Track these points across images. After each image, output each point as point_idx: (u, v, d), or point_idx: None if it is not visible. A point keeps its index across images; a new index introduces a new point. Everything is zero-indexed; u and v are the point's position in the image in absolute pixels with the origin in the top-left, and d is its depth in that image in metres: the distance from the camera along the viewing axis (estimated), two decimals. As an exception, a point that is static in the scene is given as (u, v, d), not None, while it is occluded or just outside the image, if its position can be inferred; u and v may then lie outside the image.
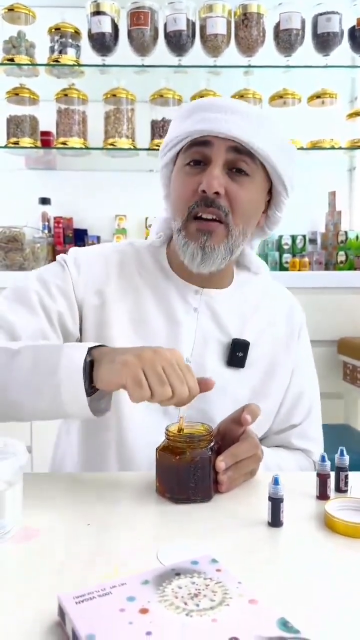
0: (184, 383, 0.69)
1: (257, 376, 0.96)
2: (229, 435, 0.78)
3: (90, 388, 0.73)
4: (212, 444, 0.73)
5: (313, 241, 2.63)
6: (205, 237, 0.86)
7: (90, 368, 0.73)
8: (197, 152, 0.87)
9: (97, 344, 0.77)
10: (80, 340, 0.94)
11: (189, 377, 0.70)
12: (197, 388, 0.71)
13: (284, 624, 0.43)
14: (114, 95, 2.33)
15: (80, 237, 2.60)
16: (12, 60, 2.29)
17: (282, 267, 2.45)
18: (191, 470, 0.71)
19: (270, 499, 0.65)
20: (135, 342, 0.91)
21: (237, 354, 0.93)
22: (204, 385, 0.72)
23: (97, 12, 2.25)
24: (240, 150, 0.86)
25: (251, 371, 0.95)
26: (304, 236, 2.57)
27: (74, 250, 0.99)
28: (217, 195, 0.85)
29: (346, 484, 0.74)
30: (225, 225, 0.87)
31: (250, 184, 0.88)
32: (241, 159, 0.86)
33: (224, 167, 0.86)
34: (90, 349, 0.74)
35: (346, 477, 0.74)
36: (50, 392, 0.72)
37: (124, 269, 0.97)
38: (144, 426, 0.89)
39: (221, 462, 0.71)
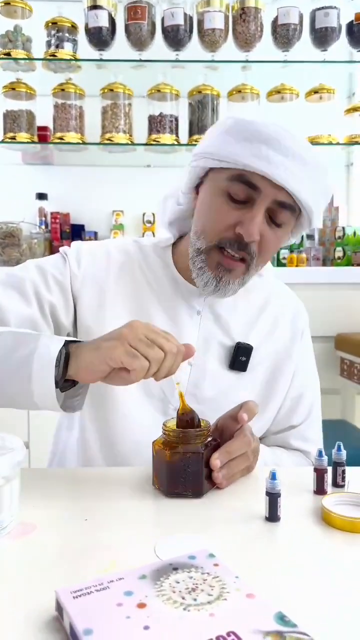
0: (169, 340, 0.70)
1: (259, 380, 0.95)
2: (226, 431, 0.78)
3: (66, 382, 0.73)
4: (207, 440, 0.73)
5: (310, 237, 2.63)
6: (224, 273, 0.86)
7: (66, 362, 0.72)
8: (244, 191, 0.82)
9: (74, 339, 0.76)
10: (72, 332, 0.93)
11: (171, 338, 0.71)
12: (182, 346, 0.72)
13: (281, 618, 0.43)
14: (111, 90, 2.32)
15: (77, 233, 2.60)
16: (8, 54, 2.28)
17: (279, 263, 2.45)
18: (182, 466, 0.71)
19: (268, 493, 0.65)
20: None
21: (240, 358, 0.93)
22: (187, 348, 0.73)
23: (94, 6, 2.24)
24: (285, 201, 0.83)
25: (253, 375, 0.95)
26: (302, 232, 2.57)
27: (76, 244, 0.98)
28: (252, 241, 0.84)
29: (343, 479, 0.74)
30: (247, 265, 0.86)
31: (283, 232, 0.87)
32: (284, 212, 0.83)
33: (265, 212, 0.83)
34: (68, 343, 0.73)
35: (343, 472, 0.74)
36: (21, 380, 0.72)
37: (127, 269, 0.95)
38: (143, 424, 0.89)
39: (216, 460, 0.71)
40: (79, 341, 0.76)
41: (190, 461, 0.71)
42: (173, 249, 0.98)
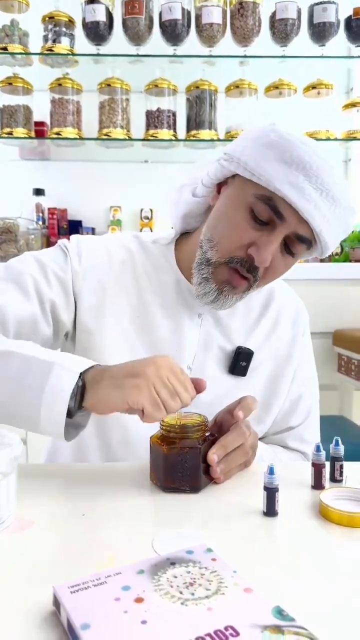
0: (187, 390, 0.70)
1: (258, 385, 0.95)
2: (225, 425, 0.78)
3: (78, 408, 0.70)
4: (205, 435, 0.73)
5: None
6: (227, 288, 0.85)
7: (82, 392, 0.70)
8: (266, 214, 0.79)
9: (89, 364, 0.72)
10: (71, 330, 0.92)
11: (187, 383, 0.71)
12: (194, 390, 0.72)
13: (279, 613, 0.43)
14: (109, 85, 2.31)
15: (74, 229, 2.59)
16: (5, 49, 2.26)
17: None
18: (180, 461, 0.71)
19: (266, 488, 0.65)
20: (135, 342, 0.90)
21: (240, 363, 0.92)
22: (198, 386, 0.73)
23: (92, 1, 2.23)
24: (305, 236, 0.81)
25: (253, 380, 0.94)
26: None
27: (76, 238, 0.95)
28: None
29: (341, 473, 0.74)
30: (249, 286, 0.85)
31: (293, 262, 0.85)
32: (300, 245, 0.82)
33: (282, 240, 0.81)
34: (83, 372, 0.70)
35: (341, 467, 0.75)
36: (28, 408, 0.69)
37: (128, 266, 0.93)
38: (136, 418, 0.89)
39: (213, 455, 0.71)
40: (93, 367, 0.72)
41: (187, 456, 0.71)
42: (176, 245, 0.96)
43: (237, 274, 0.83)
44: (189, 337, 0.91)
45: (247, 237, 0.81)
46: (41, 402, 0.68)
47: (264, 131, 0.81)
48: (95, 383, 0.70)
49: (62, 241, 0.94)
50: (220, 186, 0.87)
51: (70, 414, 0.69)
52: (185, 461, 0.71)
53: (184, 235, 0.97)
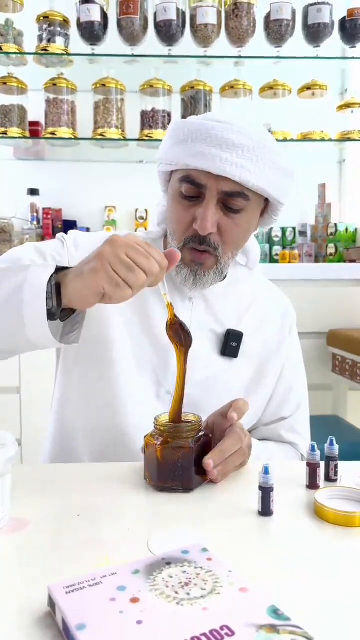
0: (150, 258, 0.69)
1: (249, 367, 0.97)
2: (217, 428, 0.79)
3: (62, 312, 0.72)
4: (198, 434, 0.73)
5: (303, 233, 2.63)
6: (196, 267, 0.89)
7: (58, 290, 0.72)
8: (191, 189, 0.86)
9: (65, 266, 0.75)
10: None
11: (153, 252, 0.70)
12: (165, 259, 0.72)
13: (274, 612, 0.43)
14: (103, 85, 2.31)
15: (69, 228, 2.53)
16: (-1, 48, 2.26)
17: (272, 259, 2.45)
18: (171, 460, 0.71)
19: (260, 488, 0.65)
20: (132, 324, 0.92)
21: (230, 343, 0.94)
22: (171, 256, 0.73)
23: (86, 0, 2.23)
24: (232, 190, 0.84)
25: (244, 362, 0.96)
26: (294, 228, 2.58)
27: (73, 232, 0.99)
28: (208, 233, 0.86)
29: (335, 473, 0.75)
30: (214, 256, 0.89)
31: (243, 217, 0.88)
32: (236, 200, 0.85)
33: (218, 202, 0.86)
34: (58, 271, 0.73)
35: (335, 466, 0.75)
36: (12, 312, 0.71)
37: None
38: (140, 408, 0.89)
39: (209, 460, 0.71)
40: (67, 268, 0.75)
41: (179, 456, 0.71)
42: (165, 240, 1.00)
43: (195, 251, 0.88)
44: (181, 318, 0.93)
45: (187, 216, 0.87)
46: (22, 302, 0.70)
47: (168, 126, 0.92)
48: (64, 278, 0.72)
49: (59, 234, 0.98)
50: None
51: (53, 316, 0.71)
52: (177, 461, 0.71)
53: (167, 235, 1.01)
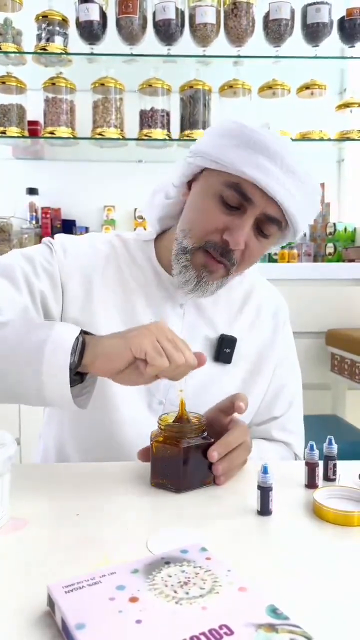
0: (186, 351, 0.70)
1: (243, 372, 0.96)
2: (216, 424, 0.78)
3: (77, 375, 0.71)
4: (197, 436, 0.73)
5: (302, 233, 2.63)
6: (206, 274, 0.87)
7: (81, 351, 0.70)
8: (236, 199, 0.82)
9: (89, 332, 0.75)
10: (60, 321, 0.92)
11: (189, 348, 0.72)
12: (195, 359, 0.72)
13: (274, 611, 0.43)
14: (103, 85, 2.31)
15: (68, 228, 2.58)
16: (-2, 47, 2.26)
17: (270, 259, 2.45)
18: (163, 458, 0.72)
19: (260, 487, 0.65)
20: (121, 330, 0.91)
21: (224, 349, 0.93)
22: (200, 359, 0.73)
23: (85, 0, 2.22)
24: (275, 215, 0.84)
25: (238, 367, 0.95)
26: (293, 228, 2.57)
27: (60, 236, 0.97)
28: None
29: (334, 472, 0.75)
30: (227, 269, 0.87)
31: (269, 242, 0.88)
32: (272, 225, 0.84)
33: (253, 223, 0.84)
34: (83, 332, 0.72)
35: (334, 465, 0.75)
36: (31, 370, 0.69)
37: (111, 261, 0.95)
38: (130, 415, 0.89)
39: (214, 452, 0.71)
40: (92, 334, 0.74)
41: (170, 455, 0.71)
42: (155, 242, 0.98)
43: (212, 258, 0.85)
44: (172, 326, 0.92)
45: (219, 222, 0.84)
46: (43, 360, 0.68)
47: (223, 123, 0.87)
48: (95, 341, 0.71)
49: (46, 239, 0.95)
50: (190, 184, 0.91)
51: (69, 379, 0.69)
52: (167, 459, 0.71)
53: (162, 234, 0.98)
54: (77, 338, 0.70)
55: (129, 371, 0.69)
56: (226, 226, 0.83)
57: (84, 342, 0.71)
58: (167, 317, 0.93)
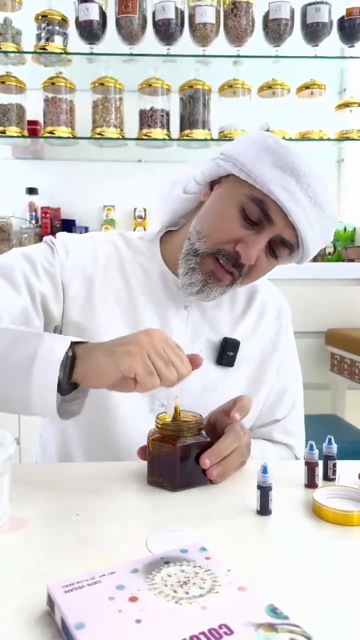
0: (182, 360, 0.69)
1: (246, 375, 0.96)
2: (219, 426, 0.78)
3: (68, 385, 0.70)
4: (193, 435, 0.73)
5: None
6: (212, 280, 0.87)
7: (71, 364, 0.69)
8: (257, 215, 0.82)
9: (79, 339, 0.72)
10: (60, 324, 0.91)
11: (183, 355, 0.70)
12: (190, 365, 0.71)
13: (273, 611, 0.43)
14: (102, 84, 2.31)
15: (68, 228, 2.58)
16: (-2, 47, 2.26)
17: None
18: (158, 456, 0.72)
19: (259, 487, 0.65)
20: (123, 332, 0.89)
21: (227, 353, 0.93)
22: (195, 362, 0.72)
23: (85, 0, 2.22)
24: (290, 240, 0.84)
25: (240, 370, 0.95)
26: (293, 228, 2.58)
27: (62, 235, 0.96)
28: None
29: (334, 472, 0.75)
30: (233, 280, 0.87)
31: (276, 264, 0.89)
32: (284, 249, 0.85)
33: (267, 241, 0.84)
34: (74, 344, 0.70)
35: (334, 465, 0.75)
36: (19, 383, 0.68)
37: (114, 261, 0.94)
38: (132, 416, 0.89)
39: (205, 460, 0.71)
40: (84, 342, 0.73)
41: (165, 453, 0.71)
42: (161, 241, 0.97)
43: (222, 267, 0.86)
44: (176, 328, 0.92)
45: (236, 233, 0.83)
46: (31, 374, 0.67)
47: (262, 136, 0.86)
48: (86, 354, 0.69)
49: (47, 237, 0.94)
50: (213, 184, 0.89)
51: (60, 389, 0.68)
52: (162, 457, 0.72)
53: (169, 232, 0.98)
54: (67, 352, 0.68)
55: (121, 384, 0.68)
56: (242, 238, 0.83)
57: (74, 356, 0.69)
58: (170, 318, 0.92)
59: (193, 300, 0.93)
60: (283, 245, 0.85)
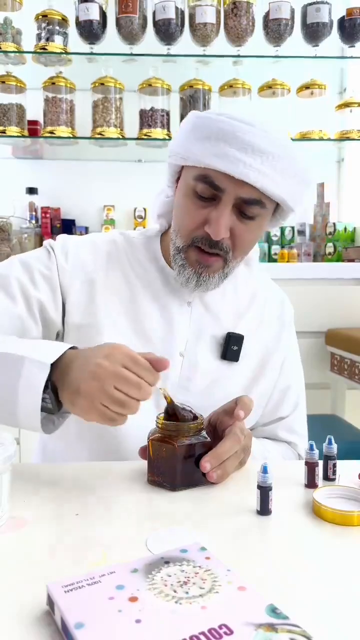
0: (141, 385, 0.67)
1: (250, 370, 0.96)
2: (219, 426, 0.78)
3: (57, 401, 0.72)
4: (194, 435, 0.73)
5: (302, 233, 2.63)
6: (202, 268, 0.87)
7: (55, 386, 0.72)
8: (207, 190, 0.83)
9: (59, 353, 0.72)
10: (62, 329, 0.92)
11: (145, 374, 0.68)
12: (156, 375, 0.69)
13: (273, 610, 0.43)
14: (102, 84, 2.30)
15: (68, 228, 2.58)
16: (-2, 47, 2.25)
17: (270, 259, 2.45)
18: (158, 455, 0.72)
19: (259, 487, 0.65)
20: (128, 334, 0.90)
21: (231, 347, 0.93)
22: (160, 366, 0.69)
23: (85, 0, 2.22)
24: (250, 198, 0.82)
25: (245, 365, 0.95)
26: (293, 228, 2.58)
27: (62, 237, 0.97)
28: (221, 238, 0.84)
29: (334, 472, 0.75)
30: (224, 259, 0.87)
31: (257, 223, 0.86)
32: (252, 207, 0.83)
33: (233, 207, 0.83)
34: (54, 368, 0.71)
35: (334, 465, 0.75)
36: (7, 405, 0.71)
37: (115, 260, 0.95)
38: (140, 417, 0.89)
39: (206, 464, 0.71)
40: (65, 352, 0.73)
41: (165, 453, 0.71)
42: (161, 239, 0.98)
43: (204, 253, 0.86)
44: (180, 324, 0.92)
45: (199, 217, 0.84)
46: (17, 399, 0.70)
47: (187, 118, 0.87)
48: (61, 386, 0.71)
49: (47, 241, 0.95)
50: (177, 182, 0.92)
51: (51, 410, 0.72)
52: (163, 457, 0.72)
53: (167, 231, 0.99)
54: (47, 380, 0.70)
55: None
56: (206, 219, 0.84)
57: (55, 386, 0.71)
58: (174, 315, 0.93)
59: (196, 295, 0.94)
60: (248, 204, 0.83)
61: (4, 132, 2.30)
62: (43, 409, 0.71)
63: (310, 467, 0.73)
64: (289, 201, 0.85)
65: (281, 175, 0.82)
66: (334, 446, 0.74)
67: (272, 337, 0.99)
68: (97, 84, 2.31)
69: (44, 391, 0.70)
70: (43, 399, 0.70)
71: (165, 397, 0.75)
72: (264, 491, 0.65)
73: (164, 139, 2.34)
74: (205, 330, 0.94)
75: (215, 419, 0.79)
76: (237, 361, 0.94)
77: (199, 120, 0.83)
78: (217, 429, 0.78)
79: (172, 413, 0.75)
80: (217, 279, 0.89)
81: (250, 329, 0.96)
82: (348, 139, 2.39)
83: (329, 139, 2.40)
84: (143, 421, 0.86)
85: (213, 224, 0.82)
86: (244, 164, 0.79)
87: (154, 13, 2.25)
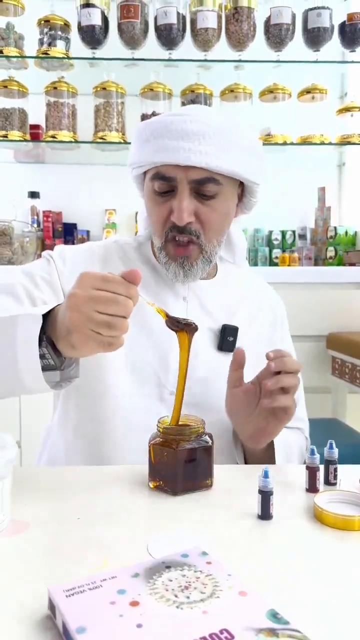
0: (119, 300, 0.67)
1: (247, 360, 0.97)
2: (264, 385, 0.80)
3: (56, 352, 0.74)
4: (194, 439, 0.73)
5: (303, 237, 2.64)
6: (183, 259, 0.91)
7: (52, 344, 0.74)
8: (163, 185, 0.88)
9: (51, 305, 0.76)
10: None
11: (118, 288, 0.68)
12: (130, 286, 0.69)
13: (274, 615, 0.43)
14: (104, 89, 2.32)
15: (69, 232, 2.59)
16: (0, 52, 2.26)
17: (271, 263, 2.46)
18: (159, 460, 0.72)
19: (260, 492, 0.65)
20: (131, 326, 0.91)
21: (227, 338, 0.96)
22: (132, 277, 0.69)
23: (87, 5, 2.23)
24: (200, 178, 0.86)
25: None
26: (294, 232, 2.58)
27: (59, 247, 1.02)
28: (188, 223, 0.88)
29: (335, 476, 0.75)
30: (198, 245, 0.91)
31: (219, 202, 0.90)
32: (207, 186, 0.87)
33: (191, 192, 0.88)
34: (47, 320, 0.73)
35: (335, 470, 0.75)
36: (9, 368, 0.73)
37: (109, 262, 0.99)
38: (144, 409, 0.90)
39: (270, 353, 0.78)
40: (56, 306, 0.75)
41: (166, 457, 0.71)
42: (152, 243, 1.01)
43: (178, 245, 0.90)
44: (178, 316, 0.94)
45: (163, 211, 0.90)
46: (17, 357, 0.72)
47: (134, 131, 0.94)
48: (55, 337, 0.73)
49: (45, 252, 1.01)
50: None
51: (54, 366, 0.74)
52: (164, 461, 0.72)
53: None
54: (44, 339, 0.73)
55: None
56: (170, 210, 0.89)
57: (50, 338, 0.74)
58: (171, 308, 0.96)
59: (190, 290, 0.98)
60: (202, 184, 0.87)
61: (6, 137, 2.31)
62: (47, 368, 0.73)
63: (312, 471, 0.73)
64: (243, 173, 0.89)
65: (224, 150, 0.86)
66: (335, 450, 0.74)
67: (266, 330, 1.03)
68: (98, 89, 2.32)
69: (44, 347, 0.72)
70: (43, 356, 0.72)
71: (159, 312, 0.76)
72: (265, 496, 0.65)
73: (166, 143, 2.35)
74: (201, 323, 0.95)
75: (251, 389, 0.84)
76: (233, 352, 0.95)
77: (140, 127, 0.91)
78: (261, 388, 0.82)
79: (175, 325, 0.76)
80: (201, 265, 0.92)
81: (244, 323, 0.99)
82: (349, 143, 2.40)
83: (330, 143, 2.40)
84: (151, 414, 0.87)
85: (176, 211, 0.87)
86: (184, 150, 0.85)
87: (155, 18, 2.26)
